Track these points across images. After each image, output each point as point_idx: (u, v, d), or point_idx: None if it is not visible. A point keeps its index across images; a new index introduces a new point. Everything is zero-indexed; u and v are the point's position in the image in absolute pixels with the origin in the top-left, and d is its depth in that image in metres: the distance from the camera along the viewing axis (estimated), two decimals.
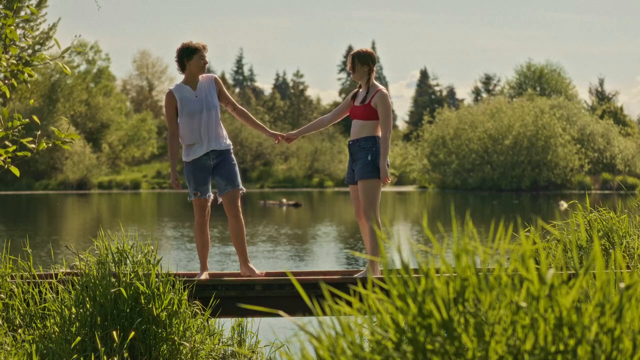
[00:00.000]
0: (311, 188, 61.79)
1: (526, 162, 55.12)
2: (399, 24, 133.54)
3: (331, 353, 3.13)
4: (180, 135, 7.14)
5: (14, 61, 6.81)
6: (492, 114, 57.80)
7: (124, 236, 6.47)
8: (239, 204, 7.19)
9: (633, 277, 3.05)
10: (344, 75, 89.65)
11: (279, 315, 5.90)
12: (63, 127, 49.67)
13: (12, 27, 6.62)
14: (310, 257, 16.17)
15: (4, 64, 6.74)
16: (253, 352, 6.84)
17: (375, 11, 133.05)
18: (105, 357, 5.79)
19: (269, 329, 7.43)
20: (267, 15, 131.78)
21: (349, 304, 6.09)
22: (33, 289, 6.46)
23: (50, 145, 6.91)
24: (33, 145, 6.84)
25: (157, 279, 6.15)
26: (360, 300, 6.00)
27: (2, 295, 6.43)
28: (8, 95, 6.78)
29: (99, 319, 5.99)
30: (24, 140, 6.74)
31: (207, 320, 6.42)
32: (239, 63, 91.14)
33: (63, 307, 6.12)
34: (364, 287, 6.17)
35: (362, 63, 7.14)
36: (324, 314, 3.54)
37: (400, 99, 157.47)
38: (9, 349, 5.92)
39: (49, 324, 6.15)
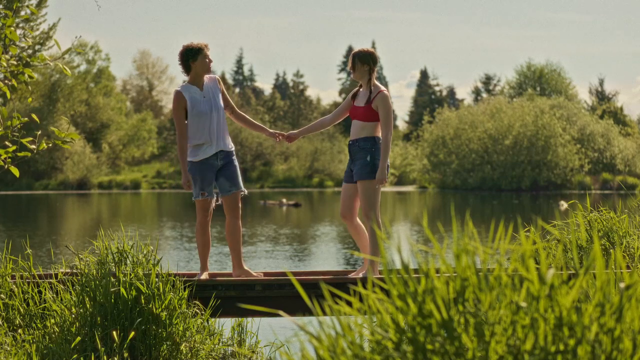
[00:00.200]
0: (311, 188, 61.79)
1: (526, 162, 55.13)
2: (399, 24, 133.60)
3: (331, 353, 3.13)
4: (188, 136, 7.12)
5: (14, 62, 6.80)
6: (492, 114, 57.82)
7: (124, 236, 6.47)
8: (240, 205, 7.22)
9: (633, 277, 3.05)
10: (344, 75, 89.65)
11: (279, 315, 5.90)
12: (63, 127, 49.67)
13: (12, 28, 6.61)
14: (310, 257, 16.17)
15: (4, 64, 6.74)
16: (253, 352, 6.84)
17: (376, 11, 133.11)
18: (105, 357, 5.79)
19: (269, 329, 7.43)
20: (267, 15, 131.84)
21: (349, 304, 6.09)
22: (33, 289, 6.46)
23: (50, 145, 6.91)
24: (33, 146, 6.84)
25: (157, 279, 6.15)
26: (360, 300, 6.01)
27: (2, 295, 6.43)
28: (9, 95, 6.78)
29: (99, 319, 5.99)
30: (24, 140, 6.74)
31: (207, 320, 6.42)
32: (239, 63, 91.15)
33: (63, 307, 6.12)
34: (364, 287, 6.17)
35: (362, 62, 7.13)
36: (324, 314, 3.54)
37: (400, 99, 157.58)
38: (9, 349, 5.92)
39: (49, 324, 6.15)
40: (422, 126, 61.40)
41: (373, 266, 6.98)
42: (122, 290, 6.03)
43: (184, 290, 6.42)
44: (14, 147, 6.81)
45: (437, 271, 3.24)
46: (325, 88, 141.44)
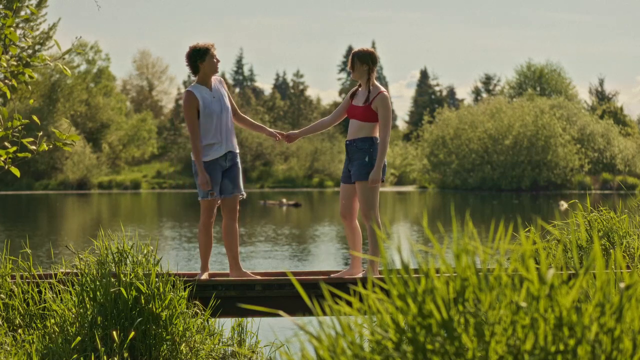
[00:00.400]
0: (311, 188, 61.79)
1: (526, 162, 55.13)
2: (399, 23, 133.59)
3: (331, 353, 3.13)
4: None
5: (14, 62, 6.80)
6: (492, 114, 57.82)
7: (123, 236, 6.47)
8: (238, 208, 7.23)
9: (633, 277, 3.05)
10: (344, 75, 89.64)
11: (279, 315, 5.90)
12: (63, 127, 49.65)
13: (12, 28, 6.61)
14: (310, 257, 16.17)
15: (4, 64, 6.74)
16: (253, 352, 6.84)
17: (376, 11, 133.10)
18: (105, 357, 5.79)
19: (269, 329, 7.43)
20: (267, 15, 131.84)
21: (349, 304, 6.09)
22: (33, 289, 6.46)
23: (50, 147, 6.90)
24: (34, 147, 6.83)
25: (157, 279, 6.15)
26: (360, 300, 6.01)
27: (2, 295, 6.43)
28: (9, 95, 6.78)
29: (99, 319, 5.99)
30: (24, 141, 6.74)
31: (207, 320, 6.42)
32: (239, 63, 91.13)
33: (63, 307, 6.12)
34: (364, 287, 6.17)
35: (361, 62, 7.11)
36: (324, 314, 3.54)
37: (400, 99, 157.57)
38: (9, 349, 5.92)
39: (49, 324, 6.15)
40: (422, 126, 61.39)
41: (373, 266, 6.97)
42: (122, 290, 6.03)
43: (184, 290, 6.42)
44: (15, 148, 6.81)
45: (437, 271, 3.24)
46: (325, 88, 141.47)
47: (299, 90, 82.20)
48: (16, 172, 6.70)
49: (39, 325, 6.26)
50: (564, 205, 31.98)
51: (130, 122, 67.56)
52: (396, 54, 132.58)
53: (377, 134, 7.08)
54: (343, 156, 63.55)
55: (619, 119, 67.41)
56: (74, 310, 6.10)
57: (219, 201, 7.16)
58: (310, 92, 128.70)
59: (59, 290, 6.37)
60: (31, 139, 6.81)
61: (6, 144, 6.85)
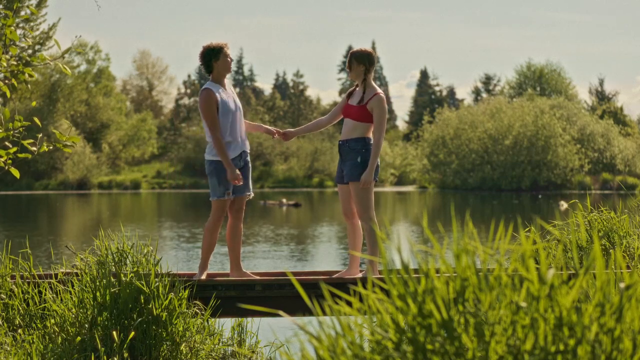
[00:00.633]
0: (311, 188, 61.80)
1: (526, 162, 55.14)
2: (399, 23, 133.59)
3: (331, 353, 3.13)
4: None
5: (14, 62, 6.80)
6: (492, 114, 57.83)
7: (123, 236, 6.47)
8: (244, 208, 7.24)
9: (633, 277, 3.05)
10: (344, 75, 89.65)
11: (279, 315, 5.90)
12: (63, 128, 49.64)
13: (12, 28, 6.61)
14: (310, 257, 16.17)
15: (4, 64, 6.74)
16: (253, 352, 6.84)
17: (376, 11, 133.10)
18: (105, 357, 5.79)
19: (269, 329, 7.43)
20: (267, 15, 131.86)
21: (349, 304, 6.09)
22: (33, 289, 6.46)
23: (51, 148, 6.90)
24: (34, 148, 6.83)
25: (157, 279, 6.15)
26: (360, 300, 6.01)
27: (2, 295, 6.43)
28: (9, 95, 6.78)
29: (99, 319, 5.99)
30: (25, 142, 6.74)
31: (207, 320, 6.42)
32: (239, 63, 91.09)
33: (63, 307, 6.12)
34: (364, 287, 6.17)
35: (358, 62, 7.10)
36: (324, 314, 3.54)
37: (400, 99, 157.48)
38: (9, 349, 5.92)
39: (49, 324, 6.15)
40: (422, 126, 61.40)
41: (372, 266, 6.97)
42: (122, 290, 6.03)
43: (184, 290, 6.42)
44: (15, 149, 6.81)
45: (437, 271, 3.24)
46: (325, 88, 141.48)
47: (298, 90, 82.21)
48: (16, 173, 6.69)
49: (39, 325, 6.26)
50: (564, 205, 31.99)
51: (130, 122, 67.56)
52: (396, 54, 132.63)
53: (370, 135, 7.07)
54: None
55: (619, 119, 67.42)
56: (74, 310, 6.10)
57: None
58: (310, 92, 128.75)
59: (59, 290, 6.37)
60: (31, 140, 6.81)
61: (7, 144, 6.85)
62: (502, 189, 54.77)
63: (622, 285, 3.05)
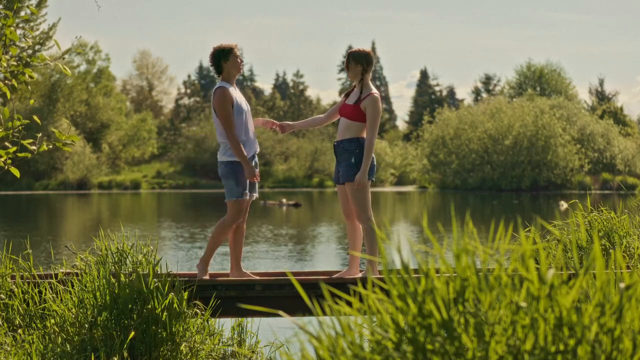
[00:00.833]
0: (311, 188, 61.79)
1: (526, 162, 55.14)
2: (399, 23, 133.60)
3: (331, 353, 3.13)
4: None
5: (14, 62, 6.80)
6: (492, 114, 57.83)
7: (123, 236, 6.47)
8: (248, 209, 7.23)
9: (633, 277, 3.05)
10: (344, 75, 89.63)
11: (279, 315, 5.90)
12: (63, 127, 49.63)
13: (12, 28, 6.61)
14: (310, 257, 16.17)
15: (4, 64, 6.74)
16: (253, 352, 6.84)
17: (376, 11, 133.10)
18: (105, 357, 5.79)
19: (269, 329, 7.43)
20: (267, 15, 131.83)
21: (349, 304, 6.09)
22: (33, 289, 6.45)
23: (50, 147, 6.90)
24: (34, 147, 6.83)
25: (157, 279, 6.15)
26: (360, 300, 6.00)
27: (2, 295, 6.43)
28: (9, 95, 6.78)
29: (99, 319, 5.99)
30: (24, 142, 6.74)
31: (207, 321, 6.42)
32: None
33: (63, 307, 6.12)
34: (364, 287, 6.17)
35: (356, 62, 7.10)
36: (324, 314, 3.54)
37: (400, 99, 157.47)
38: (9, 349, 5.92)
39: (49, 324, 6.15)
40: (422, 126, 61.39)
41: (372, 266, 6.96)
42: (122, 290, 6.02)
43: (184, 290, 6.42)
44: (15, 148, 6.81)
45: (437, 271, 3.24)
46: (325, 88, 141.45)
47: (298, 90, 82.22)
48: (16, 172, 6.69)
49: (39, 325, 6.26)
50: (564, 205, 31.99)
51: (130, 122, 67.55)
52: (396, 54, 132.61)
53: (363, 135, 7.06)
54: None
55: (619, 119, 67.43)
56: (74, 310, 6.10)
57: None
58: (310, 92, 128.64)
59: (59, 291, 6.37)
60: (31, 140, 6.81)
61: (6, 144, 6.85)
62: (502, 189, 54.77)
63: (622, 285, 3.05)
